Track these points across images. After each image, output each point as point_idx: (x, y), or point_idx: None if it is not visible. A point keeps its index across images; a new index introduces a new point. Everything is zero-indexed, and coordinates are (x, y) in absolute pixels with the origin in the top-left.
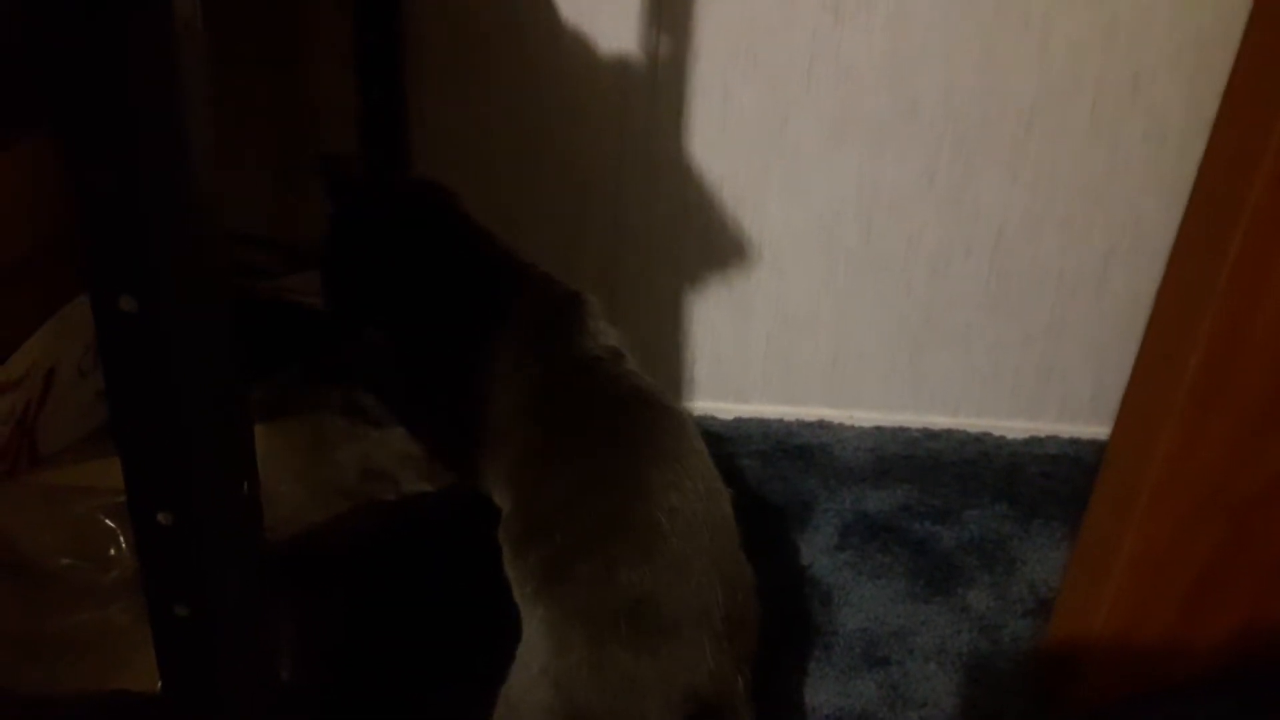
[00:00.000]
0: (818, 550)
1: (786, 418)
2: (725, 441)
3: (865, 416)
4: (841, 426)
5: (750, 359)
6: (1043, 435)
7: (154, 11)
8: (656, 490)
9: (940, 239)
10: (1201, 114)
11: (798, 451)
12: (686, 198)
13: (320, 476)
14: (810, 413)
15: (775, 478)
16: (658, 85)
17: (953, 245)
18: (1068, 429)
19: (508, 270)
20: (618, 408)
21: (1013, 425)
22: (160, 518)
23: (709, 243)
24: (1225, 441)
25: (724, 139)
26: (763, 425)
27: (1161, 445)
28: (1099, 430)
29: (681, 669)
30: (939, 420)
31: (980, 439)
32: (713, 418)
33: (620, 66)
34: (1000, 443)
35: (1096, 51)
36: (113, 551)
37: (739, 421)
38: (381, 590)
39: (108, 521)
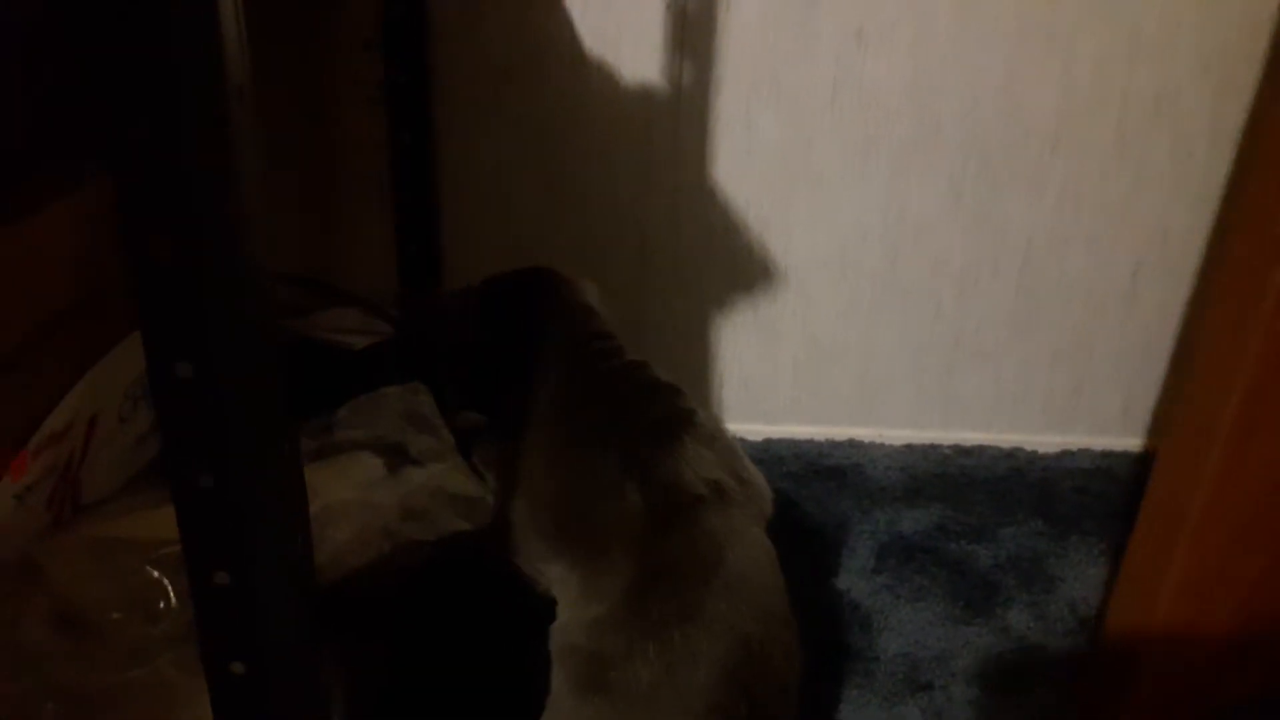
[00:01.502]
0: (854, 574)
1: (817, 438)
2: (757, 464)
3: (896, 435)
4: (872, 445)
5: (778, 381)
6: (1074, 449)
7: (209, 79)
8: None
9: (967, 259)
10: (1227, 128)
11: (829, 472)
12: (711, 224)
13: (361, 519)
14: (841, 432)
15: (808, 499)
16: (681, 113)
17: (980, 265)
18: (1099, 442)
19: (606, 382)
20: (710, 569)
21: (1044, 440)
22: (218, 578)
23: (735, 268)
24: (1273, 462)
25: (748, 165)
26: (793, 446)
27: (1210, 467)
28: (1130, 443)
29: None
30: (970, 437)
31: (1012, 454)
32: (742, 440)
33: (644, 95)
34: (1032, 458)
35: (1121, 68)
36: (162, 604)
37: (769, 443)
38: (423, 631)
39: (155, 574)
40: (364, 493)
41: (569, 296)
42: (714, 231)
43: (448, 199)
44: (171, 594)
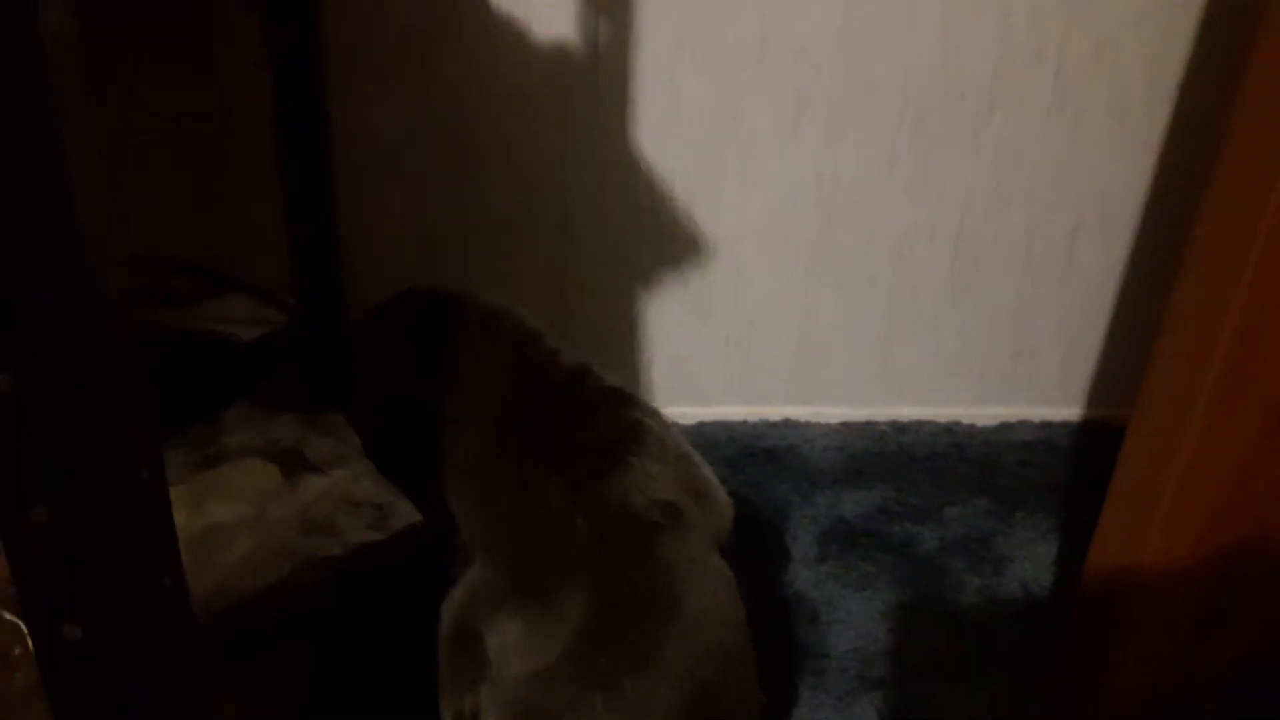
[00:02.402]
0: (798, 563)
1: (751, 419)
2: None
3: (832, 413)
4: (809, 425)
5: (710, 359)
6: (1014, 421)
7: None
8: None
9: (903, 225)
10: (1166, 82)
11: (766, 455)
12: (636, 194)
13: (256, 537)
14: (775, 412)
15: (745, 484)
16: (600, 75)
17: (916, 231)
18: (1039, 412)
19: (545, 401)
20: (666, 610)
21: (983, 412)
22: (66, 632)
23: (662, 241)
24: (1246, 441)
25: (674, 130)
26: (727, 429)
27: (1184, 447)
28: (1070, 412)
29: None
30: (908, 411)
31: (951, 429)
32: (674, 423)
33: (559, 56)
34: (972, 431)
35: (1059, 21)
36: (18, 651)
37: (702, 426)
38: (337, 652)
39: (10, 617)
40: (258, 506)
41: (475, 312)
42: (639, 201)
43: (344, 172)
44: (29, 640)
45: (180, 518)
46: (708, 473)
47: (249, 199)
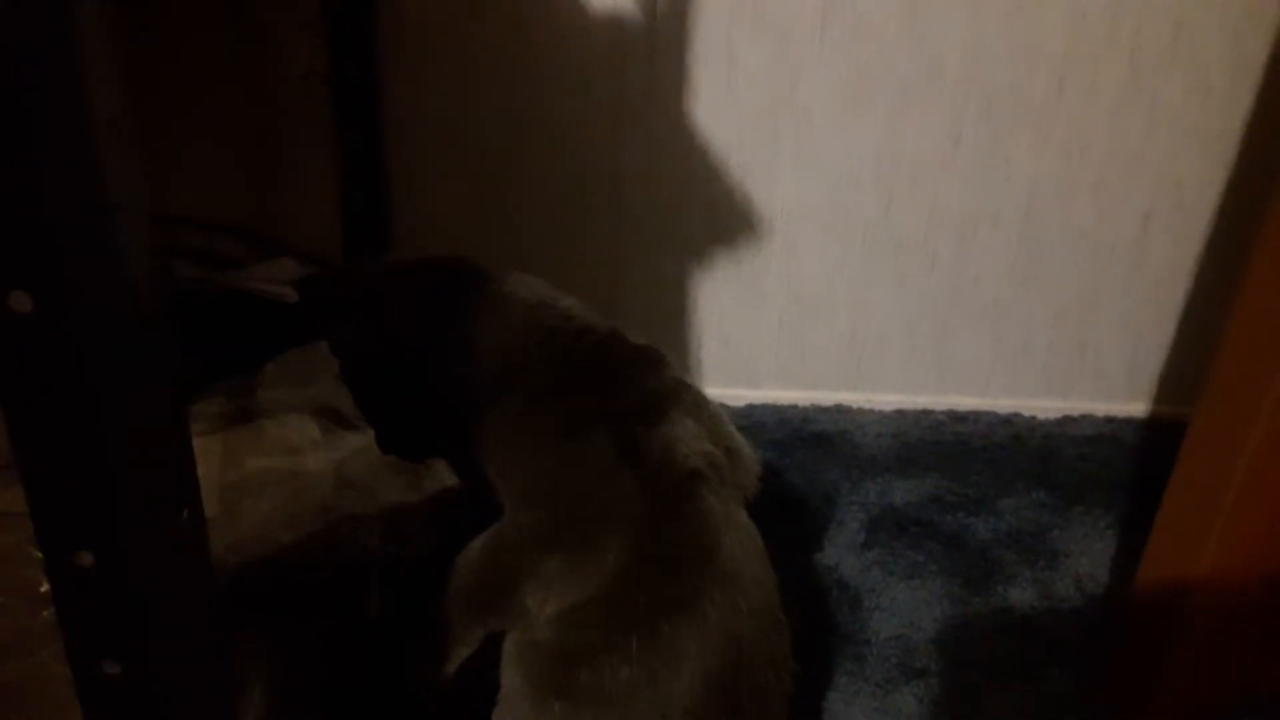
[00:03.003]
0: (843, 548)
1: (801, 403)
2: (738, 431)
3: (886, 400)
4: (861, 411)
5: (762, 341)
6: (1076, 415)
7: None
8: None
9: (966, 208)
10: (1247, 65)
11: (816, 440)
12: (691, 169)
13: (289, 489)
14: (827, 397)
15: (793, 469)
16: (656, 46)
17: (979, 215)
18: (1103, 407)
19: (582, 362)
20: (706, 556)
21: (1045, 405)
22: (79, 558)
23: (716, 218)
24: None
25: (730, 104)
26: (777, 412)
27: (1249, 447)
28: (1136, 408)
29: None
30: (965, 402)
31: (1010, 420)
32: (723, 405)
33: (615, 26)
34: (1032, 424)
35: (1134, 1)
36: (44, 588)
37: (751, 409)
38: (364, 619)
39: (38, 554)
40: (292, 460)
41: (501, 289)
42: (693, 177)
43: (396, 142)
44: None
45: (213, 468)
46: (736, 432)
47: (302, 167)
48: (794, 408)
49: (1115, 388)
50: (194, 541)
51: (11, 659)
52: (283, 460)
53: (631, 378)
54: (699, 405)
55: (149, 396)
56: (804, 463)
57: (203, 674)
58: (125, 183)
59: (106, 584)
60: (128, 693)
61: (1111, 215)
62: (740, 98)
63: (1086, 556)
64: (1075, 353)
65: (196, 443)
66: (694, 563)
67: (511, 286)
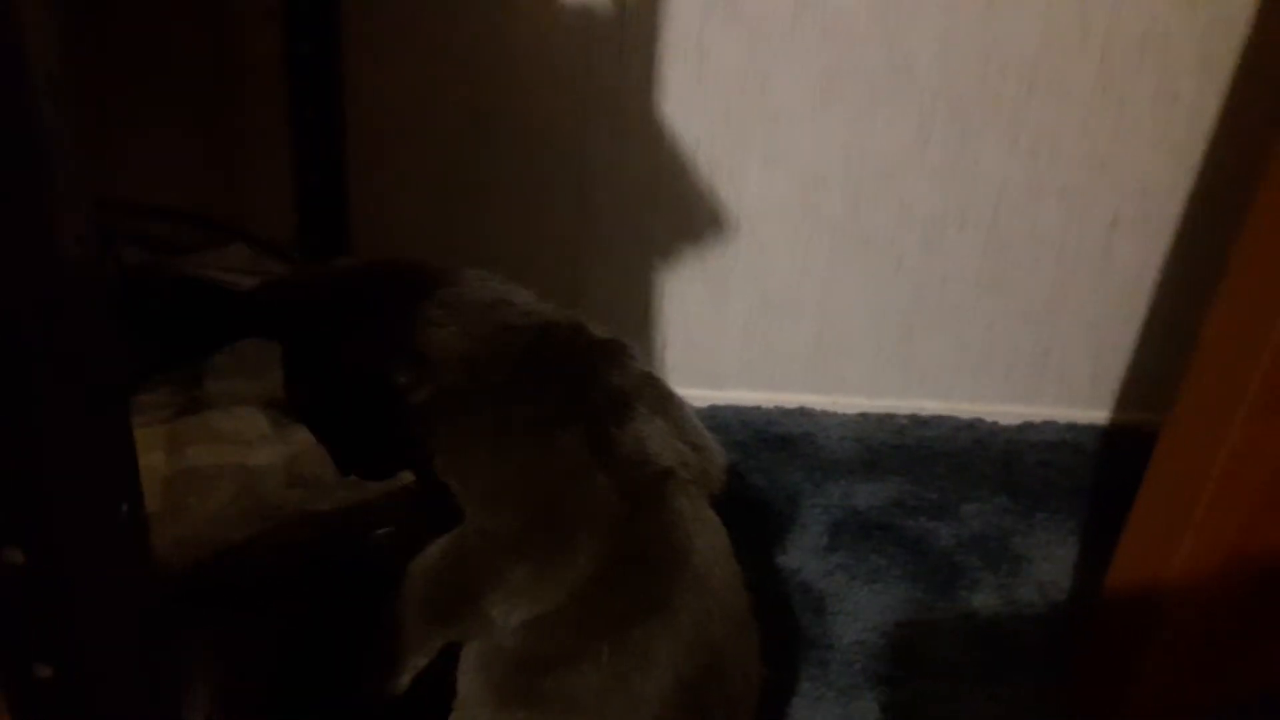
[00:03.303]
0: (807, 552)
1: (765, 405)
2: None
3: (850, 403)
4: (825, 414)
5: (727, 341)
6: (1038, 421)
7: None
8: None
9: (933, 210)
10: (1215, 72)
11: (779, 442)
12: (658, 164)
13: (237, 484)
14: (791, 399)
15: (756, 470)
16: (626, 39)
17: (947, 216)
18: (1065, 413)
19: (547, 355)
20: (680, 558)
21: (1007, 410)
22: (9, 555)
23: (682, 214)
24: None
25: (699, 98)
26: (740, 414)
27: (1223, 452)
28: (1098, 415)
29: None
30: (928, 405)
31: (973, 425)
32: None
33: (585, 16)
34: (994, 429)
35: (1105, 3)
36: None
37: (714, 410)
38: (315, 619)
39: None
40: (241, 453)
41: (456, 290)
42: (660, 173)
43: (357, 130)
44: None
45: (158, 459)
46: (701, 426)
47: (258, 153)
48: (757, 409)
49: (1078, 394)
50: (133, 537)
51: None
52: (231, 454)
53: (598, 374)
54: (666, 400)
55: (85, 383)
56: (767, 465)
57: (142, 676)
58: (63, 161)
59: (38, 582)
60: (61, 697)
61: (1078, 219)
62: (710, 93)
63: (1049, 562)
64: (1039, 358)
65: (141, 434)
66: (667, 566)
67: (466, 286)
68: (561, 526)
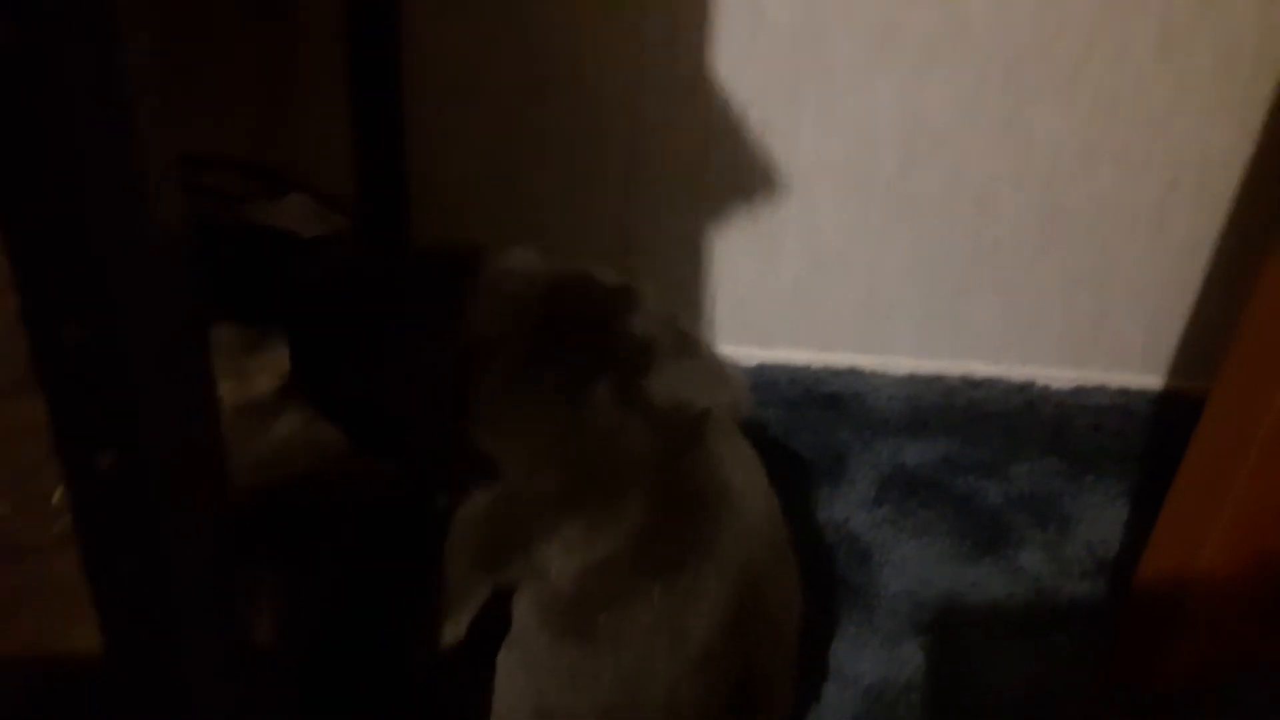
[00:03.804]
0: (854, 505)
1: (814, 364)
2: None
3: (900, 364)
4: (874, 374)
5: (776, 301)
6: (1090, 385)
7: None
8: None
9: (988, 171)
10: (1277, 34)
11: (827, 400)
12: (710, 122)
13: (303, 418)
14: (840, 359)
15: (803, 428)
16: None
17: (1001, 178)
18: (1117, 379)
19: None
20: (720, 496)
21: (1059, 375)
22: (100, 460)
23: (734, 172)
24: None
25: (753, 55)
26: (788, 372)
27: (1270, 414)
28: (1150, 380)
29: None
30: (979, 368)
31: (1024, 388)
32: (734, 364)
33: None
34: (1045, 393)
35: None
36: (56, 499)
37: (762, 368)
38: (376, 555)
39: (51, 464)
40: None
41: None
42: (713, 128)
43: (414, 86)
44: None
45: (227, 388)
46: (716, 354)
47: (318, 107)
48: (806, 369)
49: (1131, 360)
50: (211, 448)
51: (23, 564)
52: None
53: (616, 324)
54: (684, 338)
55: (170, 301)
56: (815, 423)
57: (214, 579)
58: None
59: (125, 486)
60: (143, 594)
61: (1134, 183)
62: (763, 51)
63: (1098, 523)
64: (1091, 323)
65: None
66: (711, 506)
67: (480, 265)
68: (608, 480)
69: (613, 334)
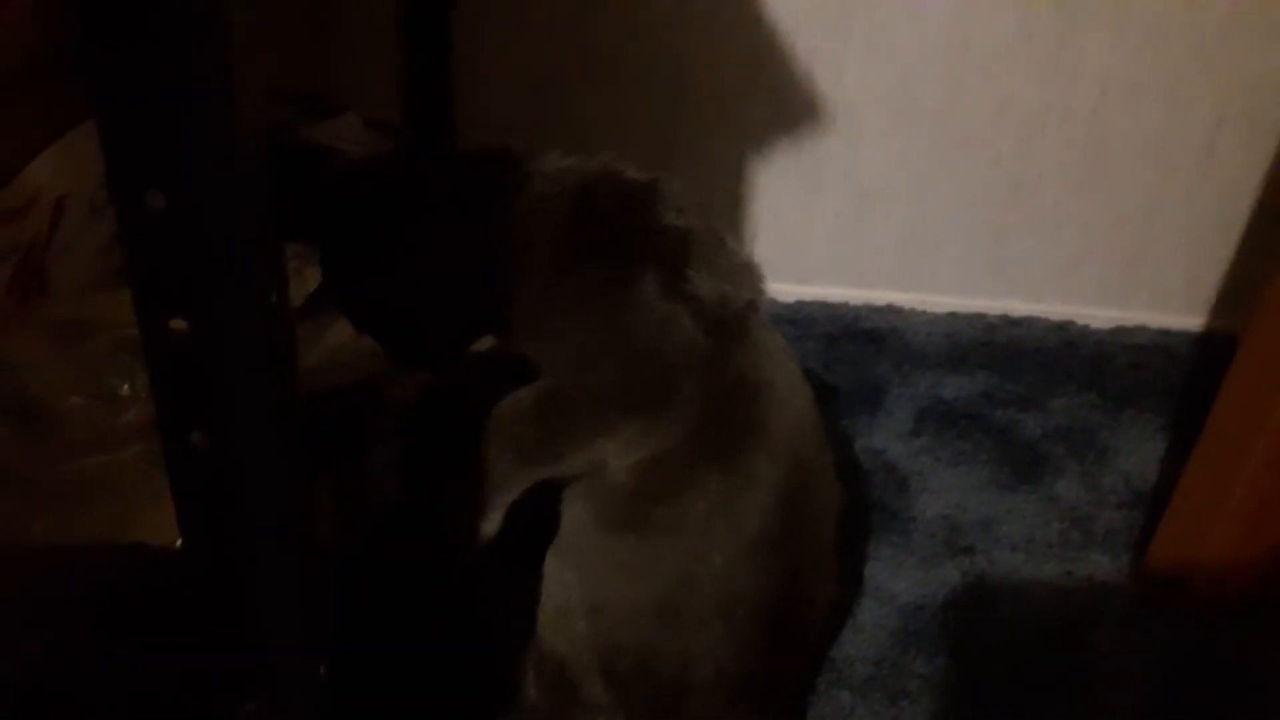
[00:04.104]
0: (892, 436)
1: (853, 301)
2: (786, 325)
3: (939, 301)
4: (913, 312)
5: (817, 236)
6: (1130, 325)
7: None
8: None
9: (1033, 104)
10: None
11: (866, 336)
12: (756, 50)
13: (347, 332)
14: (879, 296)
15: (842, 361)
16: None
17: (1047, 111)
18: (1158, 319)
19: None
20: (766, 384)
21: (1098, 314)
22: (174, 325)
23: (779, 103)
24: None
25: None
26: (827, 309)
27: None
28: (1192, 321)
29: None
30: (1018, 306)
31: (1064, 327)
32: (772, 300)
33: None
34: (1085, 331)
35: None
36: (126, 390)
37: (800, 305)
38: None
39: (121, 357)
40: None
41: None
42: (758, 59)
43: (461, 14)
44: (140, 381)
45: None
46: (732, 240)
47: (366, 34)
48: (845, 305)
49: (1172, 299)
50: (280, 323)
51: (95, 456)
52: None
53: (652, 217)
54: (713, 230)
55: (244, 177)
56: (853, 356)
57: (284, 456)
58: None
59: (198, 352)
60: (214, 466)
61: (1182, 118)
62: None
63: (1136, 455)
64: (1133, 261)
65: None
66: (760, 392)
67: (514, 164)
68: (663, 377)
69: (650, 227)
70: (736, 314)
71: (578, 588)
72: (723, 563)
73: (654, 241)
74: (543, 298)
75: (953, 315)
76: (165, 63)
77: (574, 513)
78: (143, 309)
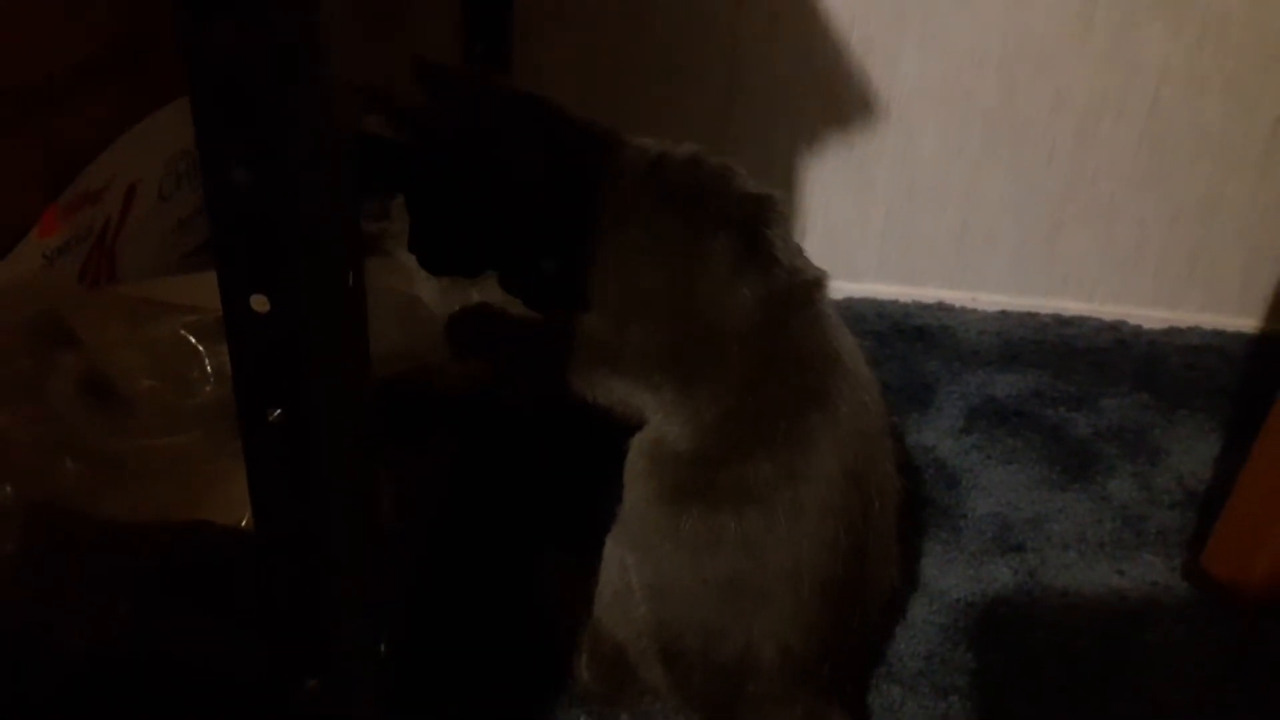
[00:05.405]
0: (942, 432)
1: (903, 299)
2: None
3: (990, 300)
4: (964, 310)
5: (867, 233)
6: (1184, 326)
7: None
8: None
9: (1090, 98)
10: None
11: (916, 333)
12: (810, 44)
13: (417, 315)
14: (929, 294)
15: (891, 358)
16: None
17: (1104, 105)
18: (1211, 320)
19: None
20: (832, 355)
21: (1151, 314)
22: (254, 303)
23: (832, 97)
24: None
25: None
26: (876, 306)
27: None
28: (1246, 323)
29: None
30: (1071, 306)
31: (1116, 326)
32: None
33: None
34: (1138, 331)
35: None
36: (196, 374)
37: (850, 302)
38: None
39: (192, 341)
40: (426, 291)
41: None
42: (812, 52)
43: (519, 7)
44: (208, 365)
45: None
46: None
47: (430, 34)
48: (895, 303)
49: (1226, 300)
50: (356, 303)
51: (165, 436)
52: (403, 285)
53: (738, 182)
54: (787, 203)
55: (328, 154)
56: (903, 353)
57: (355, 433)
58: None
59: (278, 329)
60: (289, 441)
61: (1242, 114)
62: None
63: (1190, 456)
64: (1188, 261)
65: None
66: (824, 362)
67: (594, 129)
68: (709, 339)
69: (733, 189)
70: (804, 285)
71: (638, 570)
72: (789, 530)
73: (736, 201)
74: (627, 241)
75: (1004, 314)
76: (256, 40)
77: (635, 494)
78: (226, 285)
